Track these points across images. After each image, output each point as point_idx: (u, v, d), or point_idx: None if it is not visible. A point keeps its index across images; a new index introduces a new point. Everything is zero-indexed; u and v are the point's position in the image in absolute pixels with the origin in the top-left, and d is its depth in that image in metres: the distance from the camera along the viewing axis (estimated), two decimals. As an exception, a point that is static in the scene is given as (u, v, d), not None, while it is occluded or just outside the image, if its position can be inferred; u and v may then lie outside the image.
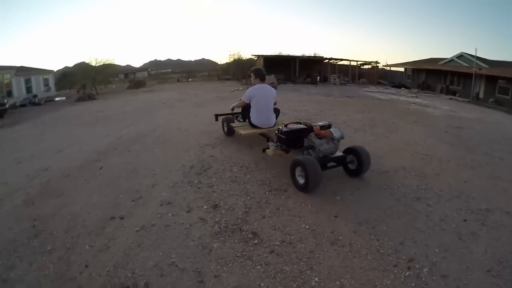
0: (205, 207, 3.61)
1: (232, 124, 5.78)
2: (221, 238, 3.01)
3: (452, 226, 3.20)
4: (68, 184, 4.57)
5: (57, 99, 24.66)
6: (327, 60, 30.42)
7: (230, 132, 6.10)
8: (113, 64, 30.03)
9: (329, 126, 4.13)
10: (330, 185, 4.12)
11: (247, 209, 3.53)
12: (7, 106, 16.58)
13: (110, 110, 12.48)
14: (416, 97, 18.55)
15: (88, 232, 3.26)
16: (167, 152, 5.69)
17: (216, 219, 3.33)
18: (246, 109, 5.34)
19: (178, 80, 36.11)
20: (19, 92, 23.57)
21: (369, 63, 31.66)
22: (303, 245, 2.90)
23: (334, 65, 30.77)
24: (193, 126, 7.82)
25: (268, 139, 4.68)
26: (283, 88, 20.00)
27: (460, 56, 24.19)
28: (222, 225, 3.23)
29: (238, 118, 5.93)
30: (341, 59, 30.31)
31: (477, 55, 20.31)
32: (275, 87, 19.08)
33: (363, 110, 11.04)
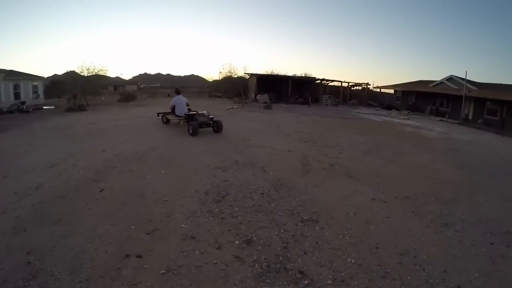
0: (237, 242, 3.16)
1: (167, 116, 10.89)
2: (267, 280, 2.59)
3: (483, 250, 3.33)
4: (65, 208, 3.86)
5: (45, 107, 23.19)
6: (319, 81, 30.60)
7: (167, 121, 10.92)
8: (105, 75, 29.03)
9: (208, 113, 9.88)
10: (361, 213, 4.03)
11: (284, 244, 3.15)
12: (-6, 111, 15.23)
13: (103, 123, 11.53)
14: (408, 119, 18.81)
15: (100, 274, 2.61)
16: (174, 173, 5.23)
17: (254, 257, 2.90)
18: (172, 108, 10.33)
19: (168, 95, 35.29)
20: (6, 98, 21.57)
21: (359, 84, 32.11)
22: (356, 282, 2.63)
23: (326, 86, 30.98)
24: (197, 145, 7.41)
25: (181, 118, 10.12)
26: (278, 108, 19.84)
27: (450, 78, 24.69)
28: (263, 264, 2.80)
29: (172, 114, 10.59)
30: (333, 80, 30.57)
31: (467, 78, 20.76)
32: (269, 107, 19.25)
33: (362, 132, 11.06)
